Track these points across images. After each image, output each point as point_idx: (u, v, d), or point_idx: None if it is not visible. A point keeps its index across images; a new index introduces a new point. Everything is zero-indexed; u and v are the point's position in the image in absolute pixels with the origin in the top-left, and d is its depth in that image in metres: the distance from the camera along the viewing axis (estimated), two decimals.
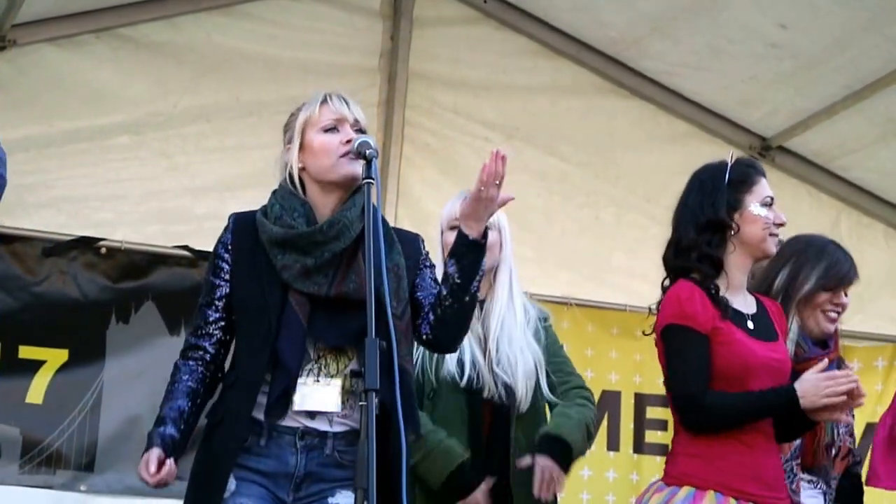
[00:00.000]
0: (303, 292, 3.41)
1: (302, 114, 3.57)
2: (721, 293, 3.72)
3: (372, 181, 3.35)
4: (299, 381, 3.40)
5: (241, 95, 5.97)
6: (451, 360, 4.11)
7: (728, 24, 5.92)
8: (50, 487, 5.47)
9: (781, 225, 3.80)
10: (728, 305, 3.72)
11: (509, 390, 4.13)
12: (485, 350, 4.14)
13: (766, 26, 5.84)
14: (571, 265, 6.37)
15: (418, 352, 4.07)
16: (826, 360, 3.62)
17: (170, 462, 3.38)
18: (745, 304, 3.81)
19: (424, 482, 4.06)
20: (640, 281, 6.12)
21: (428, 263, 3.64)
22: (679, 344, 3.70)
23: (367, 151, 3.38)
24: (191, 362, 3.52)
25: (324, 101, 3.57)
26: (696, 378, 3.65)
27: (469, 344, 4.09)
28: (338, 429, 3.43)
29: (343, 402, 3.41)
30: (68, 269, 5.66)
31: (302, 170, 3.53)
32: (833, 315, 4.18)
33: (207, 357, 3.52)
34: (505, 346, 4.14)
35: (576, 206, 6.40)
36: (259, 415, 3.41)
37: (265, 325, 3.41)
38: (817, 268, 4.15)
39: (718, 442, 3.63)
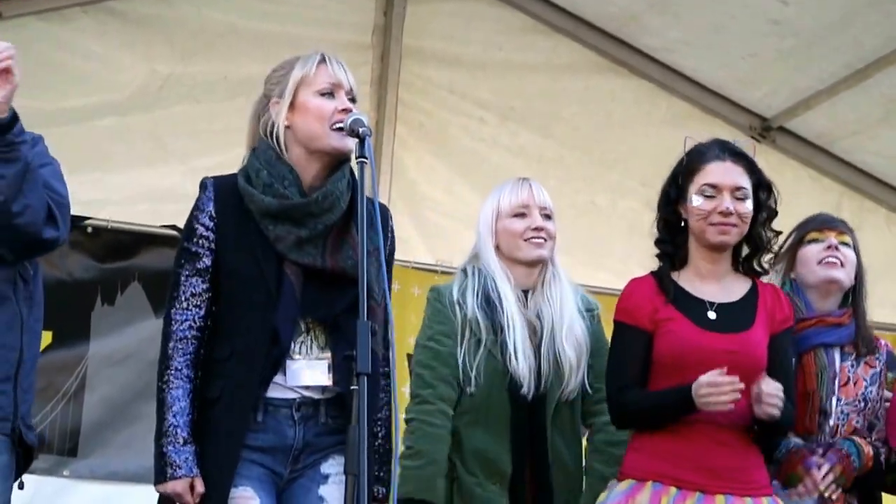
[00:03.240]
0: (297, 263, 3.36)
1: (297, 70, 3.46)
2: (679, 280, 3.72)
3: (366, 160, 3.26)
4: (289, 354, 3.36)
5: (229, 74, 5.90)
6: (498, 356, 3.92)
7: (729, 0, 5.86)
8: (31, 472, 5.29)
9: (725, 214, 3.67)
10: (680, 294, 3.69)
11: (552, 385, 3.95)
12: (539, 343, 3.97)
13: (767, 2, 5.78)
14: (566, 250, 6.29)
15: (462, 347, 3.92)
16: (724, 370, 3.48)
17: (199, 483, 3.30)
18: (716, 290, 3.73)
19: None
20: (637, 266, 6.01)
21: (388, 251, 3.59)
22: (615, 339, 3.76)
23: (361, 130, 3.29)
24: (182, 343, 3.37)
25: (321, 62, 3.47)
26: (618, 375, 3.69)
27: (520, 339, 3.92)
28: (328, 395, 3.39)
29: (332, 376, 3.38)
30: None
31: (287, 128, 3.44)
32: (831, 260, 4.09)
33: (197, 332, 3.38)
34: (561, 337, 3.98)
35: (571, 191, 6.35)
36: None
37: (263, 296, 3.34)
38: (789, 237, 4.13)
39: (659, 435, 3.61)
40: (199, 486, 3.29)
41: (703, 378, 3.49)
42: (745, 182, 3.72)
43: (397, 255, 5.89)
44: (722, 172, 3.72)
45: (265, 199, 3.38)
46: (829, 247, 4.09)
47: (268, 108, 3.49)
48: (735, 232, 3.69)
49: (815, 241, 4.11)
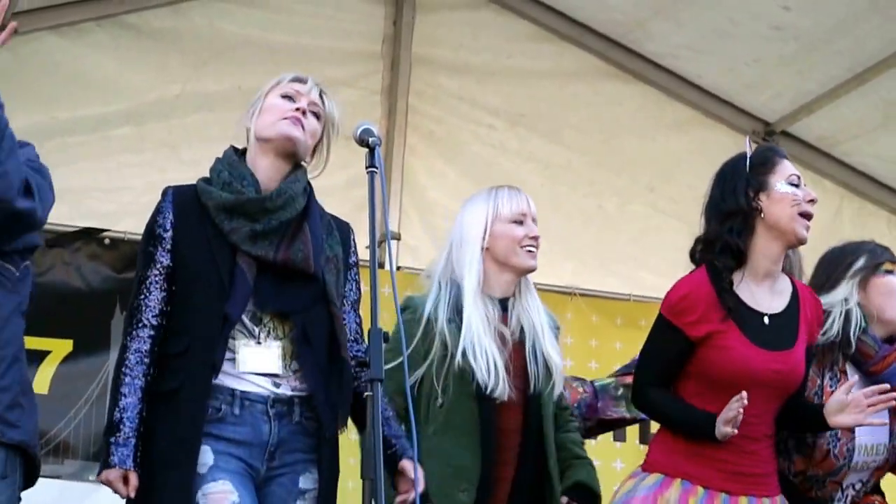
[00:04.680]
0: (251, 255, 3.44)
1: (271, 81, 3.64)
2: (736, 286, 3.64)
3: (375, 170, 3.33)
4: (242, 342, 3.42)
5: (243, 84, 5.92)
6: (468, 366, 3.90)
7: (732, 6, 5.90)
8: (58, 477, 5.47)
9: (812, 202, 3.68)
10: (738, 304, 3.63)
11: (544, 391, 3.97)
12: (522, 347, 3.98)
13: (769, 8, 5.81)
14: (575, 255, 6.35)
15: (431, 360, 3.93)
16: (742, 395, 3.47)
17: (133, 476, 3.34)
18: (769, 297, 3.70)
19: None
20: (645, 271, 6.08)
21: (353, 261, 3.67)
22: (658, 334, 3.72)
23: (370, 139, 3.36)
24: (137, 342, 3.42)
25: (296, 79, 3.63)
26: (650, 371, 3.70)
27: (488, 347, 3.90)
28: (300, 394, 3.45)
29: (287, 367, 3.45)
30: (72, 259, 5.68)
31: (248, 129, 3.60)
32: None
33: (154, 332, 3.43)
34: (543, 345, 4.00)
35: (580, 196, 6.39)
36: (229, 383, 3.40)
37: (216, 287, 3.41)
38: (861, 254, 4.07)
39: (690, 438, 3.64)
40: (133, 480, 3.32)
41: (724, 417, 3.51)
42: None
43: (408, 263, 6.05)
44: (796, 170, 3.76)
45: (222, 194, 3.48)
46: None
47: (245, 118, 3.65)
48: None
49: (892, 272, 4.06)
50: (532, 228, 4.05)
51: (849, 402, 3.61)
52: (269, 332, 3.46)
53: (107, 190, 5.80)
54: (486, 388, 3.87)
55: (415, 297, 4.06)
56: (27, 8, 5.65)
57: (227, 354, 3.40)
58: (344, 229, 3.67)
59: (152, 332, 3.44)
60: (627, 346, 6.11)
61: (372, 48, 6.29)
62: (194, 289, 3.44)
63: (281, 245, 3.46)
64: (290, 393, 3.45)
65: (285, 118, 3.53)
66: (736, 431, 3.49)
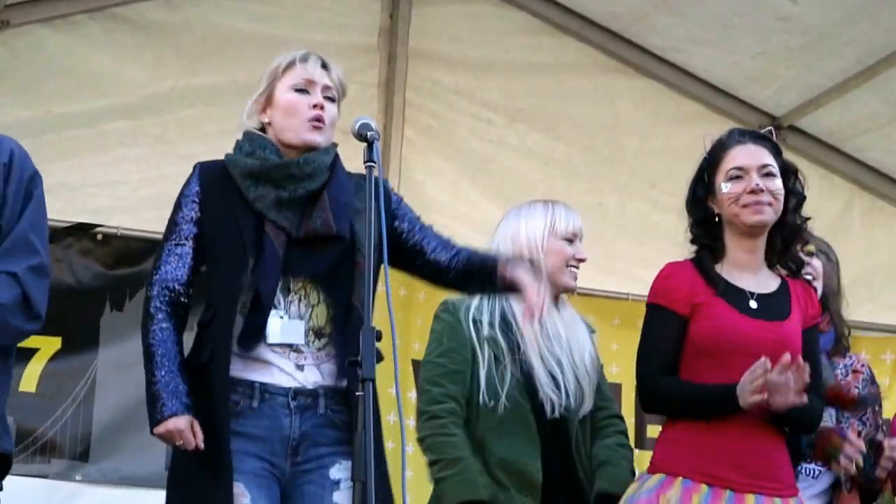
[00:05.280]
0: (277, 225, 3.44)
1: (272, 67, 3.63)
2: (721, 271, 3.68)
3: (373, 164, 3.30)
4: (273, 314, 3.40)
5: (238, 77, 5.86)
6: (519, 375, 3.90)
7: None
8: (45, 477, 5.47)
9: (754, 192, 3.63)
10: (723, 282, 3.65)
11: (576, 403, 3.95)
12: (557, 362, 3.96)
13: None
14: None
15: (484, 370, 3.89)
16: (765, 360, 3.43)
17: (196, 425, 3.32)
18: (754, 281, 3.70)
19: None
20: (643, 270, 5.96)
21: (395, 198, 3.69)
22: (649, 322, 3.72)
23: (369, 133, 3.33)
24: (164, 304, 3.44)
25: (299, 60, 3.60)
26: (652, 360, 3.66)
27: (538, 362, 3.91)
28: (327, 383, 3.43)
29: (311, 343, 3.43)
30: (63, 255, 5.62)
31: (268, 124, 3.59)
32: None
33: (181, 297, 3.47)
34: (583, 356, 4.00)
35: (579, 193, 6.34)
36: (248, 375, 3.39)
37: (242, 258, 3.41)
38: None
39: (694, 428, 3.58)
40: (199, 430, 3.32)
41: (747, 376, 3.46)
42: (771, 160, 3.70)
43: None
44: (746, 154, 3.70)
45: (247, 161, 3.50)
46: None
47: (253, 107, 3.64)
48: (769, 211, 3.64)
49: (813, 254, 4.10)
50: (581, 250, 4.04)
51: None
52: (300, 300, 3.44)
53: (101, 185, 5.77)
54: (545, 405, 3.86)
55: (452, 299, 4.01)
56: (19, 0, 5.61)
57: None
58: (380, 187, 3.63)
59: (176, 299, 3.45)
60: (624, 346, 6.00)
61: (368, 41, 6.24)
62: (220, 259, 3.46)
63: (302, 219, 3.45)
64: (311, 384, 3.41)
65: (307, 121, 3.51)
66: (766, 396, 3.44)
